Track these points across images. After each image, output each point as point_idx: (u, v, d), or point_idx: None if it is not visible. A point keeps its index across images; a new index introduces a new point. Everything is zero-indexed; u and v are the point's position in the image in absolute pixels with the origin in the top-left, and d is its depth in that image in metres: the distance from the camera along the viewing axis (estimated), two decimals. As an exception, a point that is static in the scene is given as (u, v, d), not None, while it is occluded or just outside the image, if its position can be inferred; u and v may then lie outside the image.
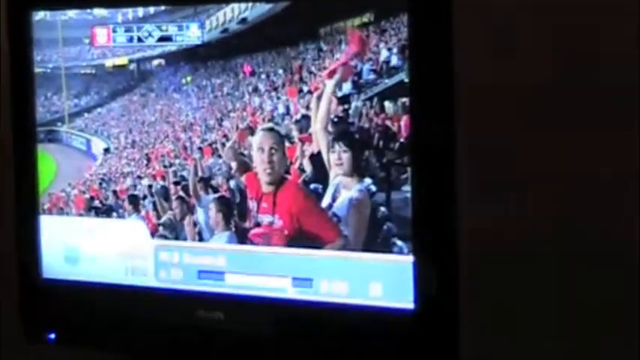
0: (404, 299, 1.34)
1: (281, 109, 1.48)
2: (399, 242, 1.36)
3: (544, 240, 1.46)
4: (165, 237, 1.56)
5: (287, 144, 1.44)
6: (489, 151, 1.47)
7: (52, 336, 1.61)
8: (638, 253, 1.40)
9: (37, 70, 1.63)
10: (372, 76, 1.40)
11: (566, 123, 1.44)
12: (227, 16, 1.50)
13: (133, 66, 1.64)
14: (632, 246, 1.40)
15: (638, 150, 1.39)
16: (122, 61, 1.64)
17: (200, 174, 1.55)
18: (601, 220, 1.43)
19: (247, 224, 1.47)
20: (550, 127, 1.45)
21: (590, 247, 1.43)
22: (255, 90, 1.52)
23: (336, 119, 1.40)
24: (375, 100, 1.39)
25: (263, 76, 1.52)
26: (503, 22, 1.45)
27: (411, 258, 1.34)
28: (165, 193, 1.59)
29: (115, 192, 1.65)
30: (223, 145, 1.53)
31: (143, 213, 1.60)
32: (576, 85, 1.43)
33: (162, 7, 1.56)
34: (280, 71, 1.49)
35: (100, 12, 1.60)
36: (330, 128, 1.40)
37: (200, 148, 1.58)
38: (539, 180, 1.46)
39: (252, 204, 1.46)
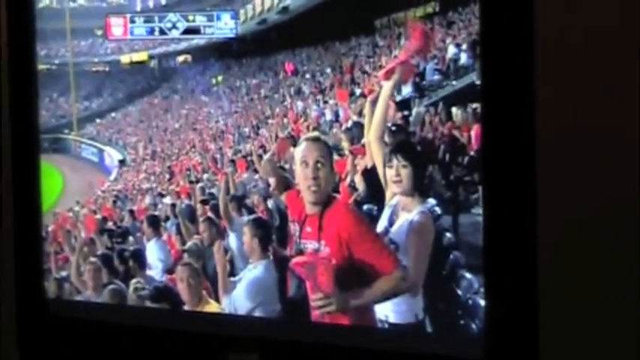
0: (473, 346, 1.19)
1: (329, 116, 1.35)
2: (468, 275, 1.26)
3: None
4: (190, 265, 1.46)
5: (335, 157, 1.34)
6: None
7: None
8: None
9: (40, 66, 1.53)
10: (436, 77, 1.30)
11: None
12: (265, 5, 1.35)
13: (153, 63, 1.51)
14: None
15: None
16: (141, 56, 1.51)
17: (232, 192, 1.44)
18: None
19: (288, 252, 1.34)
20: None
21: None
22: (298, 92, 1.39)
23: (394, 128, 1.31)
24: (441, 105, 1.30)
25: (307, 76, 1.38)
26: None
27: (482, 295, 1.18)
28: (191, 214, 1.50)
29: (131, 212, 1.53)
30: (260, 157, 1.41)
31: (165, 237, 1.50)
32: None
33: (189, -7, 1.45)
34: (328, 70, 1.36)
35: (115, -2, 1.49)
36: (386, 138, 1.30)
37: (232, 161, 1.46)
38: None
39: (293, 228, 1.31)
